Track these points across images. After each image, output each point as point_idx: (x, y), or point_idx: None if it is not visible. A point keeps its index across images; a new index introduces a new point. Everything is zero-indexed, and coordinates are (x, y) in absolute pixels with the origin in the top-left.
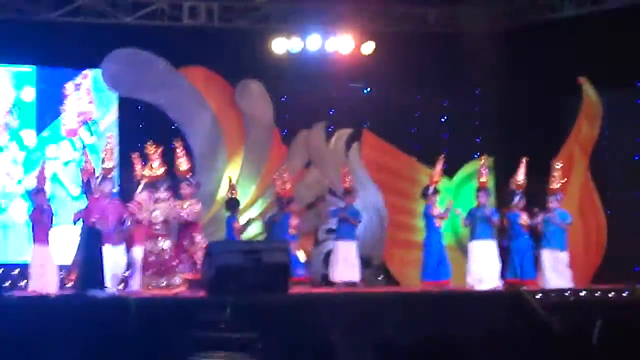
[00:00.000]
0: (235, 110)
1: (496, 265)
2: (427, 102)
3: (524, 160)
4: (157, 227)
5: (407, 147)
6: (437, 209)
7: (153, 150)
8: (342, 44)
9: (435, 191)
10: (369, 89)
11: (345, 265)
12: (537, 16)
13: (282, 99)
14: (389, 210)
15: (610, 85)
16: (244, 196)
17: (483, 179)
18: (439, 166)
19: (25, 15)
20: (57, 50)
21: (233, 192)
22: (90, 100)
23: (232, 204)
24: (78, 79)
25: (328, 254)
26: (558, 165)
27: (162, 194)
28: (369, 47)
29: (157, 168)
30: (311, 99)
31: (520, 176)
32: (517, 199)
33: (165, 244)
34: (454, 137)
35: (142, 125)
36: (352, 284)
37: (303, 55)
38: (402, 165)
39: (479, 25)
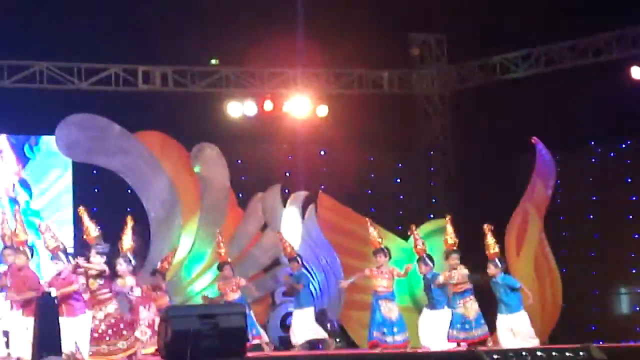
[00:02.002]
0: (191, 173)
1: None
2: (381, 163)
3: (447, 218)
4: (101, 291)
5: (363, 209)
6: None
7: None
8: (297, 106)
9: (378, 251)
10: (324, 151)
11: (306, 329)
12: (489, 77)
13: (238, 162)
14: (344, 271)
15: (563, 144)
16: (199, 260)
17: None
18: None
19: None
20: (11, 116)
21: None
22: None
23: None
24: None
25: (285, 317)
26: (488, 229)
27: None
28: (323, 110)
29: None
30: (267, 161)
31: (449, 236)
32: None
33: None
34: (409, 198)
35: (97, 190)
36: (318, 341)
37: (258, 118)
38: (358, 227)
39: (431, 87)
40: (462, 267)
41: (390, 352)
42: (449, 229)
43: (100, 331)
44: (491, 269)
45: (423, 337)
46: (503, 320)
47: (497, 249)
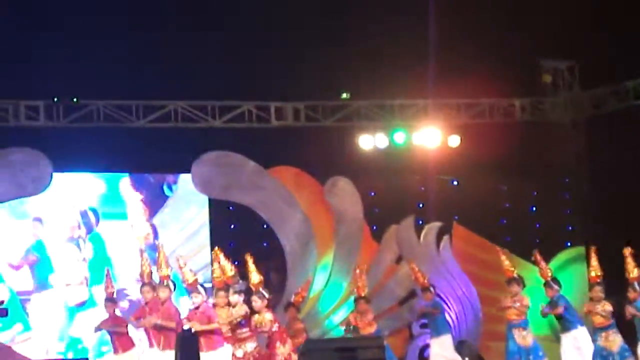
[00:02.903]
0: (325, 207)
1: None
2: (515, 192)
3: (592, 249)
4: (241, 330)
5: (498, 239)
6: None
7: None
8: (428, 137)
9: (511, 281)
10: (457, 181)
11: (444, 357)
12: (623, 102)
13: (371, 194)
14: (482, 302)
15: None
16: (336, 293)
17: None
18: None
19: (116, 122)
20: (148, 155)
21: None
22: None
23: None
24: None
25: (423, 349)
26: (629, 252)
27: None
28: (455, 140)
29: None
30: (399, 193)
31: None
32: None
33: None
34: (545, 226)
35: (233, 226)
36: None
37: (390, 150)
38: (493, 257)
39: (564, 114)
40: (606, 303)
41: None
42: (594, 261)
43: None
44: (631, 293)
45: None
46: None
47: (637, 273)
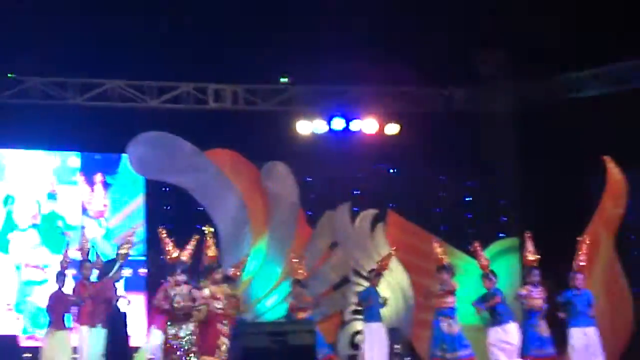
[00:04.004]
0: (261, 192)
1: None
2: (451, 182)
3: (528, 235)
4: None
5: (432, 227)
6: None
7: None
8: (367, 125)
9: (441, 268)
10: (393, 170)
11: (375, 347)
12: (559, 96)
13: (308, 180)
14: (415, 291)
15: (634, 163)
16: (269, 278)
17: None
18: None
19: (50, 100)
20: (84, 134)
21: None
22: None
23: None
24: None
25: (354, 335)
26: (585, 241)
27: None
28: (392, 128)
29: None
30: (336, 179)
31: (530, 253)
32: (532, 274)
33: (186, 329)
34: (479, 217)
35: (169, 208)
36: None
37: (327, 136)
38: (428, 246)
39: (502, 105)
40: (543, 288)
41: None
42: (530, 246)
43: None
44: (580, 281)
45: (493, 355)
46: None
47: (584, 262)
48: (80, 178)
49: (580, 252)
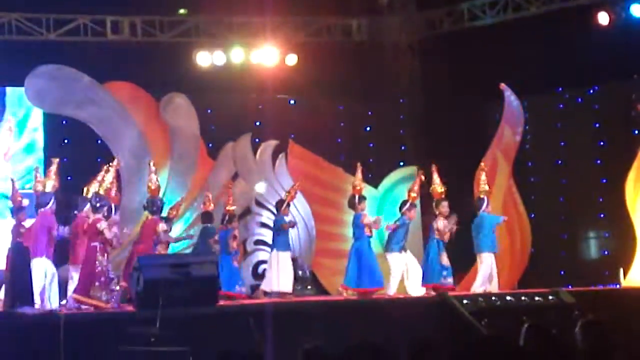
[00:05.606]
0: (160, 124)
1: (418, 272)
2: (351, 112)
3: (434, 167)
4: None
5: (333, 158)
6: (368, 218)
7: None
8: (266, 56)
9: (362, 199)
10: (293, 100)
11: (281, 275)
12: (457, 24)
13: (208, 112)
14: (316, 220)
15: (531, 90)
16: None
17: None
18: (359, 173)
19: None
20: None
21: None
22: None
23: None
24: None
25: (257, 265)
26: (482, 169)
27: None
28: (292, 59)
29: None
30: (236, 111)
31: (437, 185)
32: (442, 206)
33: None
34: (379, 146)
35: (67, 141)
36: (284, 294)
37: (227, 67)
38: (328, 176)
39: (400, 35)
40: (453, 217)
41: (357, 299)
42: (437, 178)
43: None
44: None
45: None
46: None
47: (487, 188)
48: None
49: (481, 178)
